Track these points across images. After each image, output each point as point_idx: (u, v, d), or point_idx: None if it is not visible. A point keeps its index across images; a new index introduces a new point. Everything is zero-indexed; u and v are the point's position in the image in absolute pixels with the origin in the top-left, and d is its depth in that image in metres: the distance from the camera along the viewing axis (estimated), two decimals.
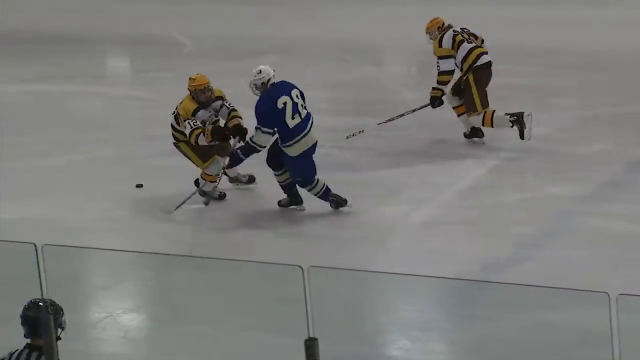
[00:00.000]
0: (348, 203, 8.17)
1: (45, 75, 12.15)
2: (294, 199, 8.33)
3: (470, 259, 7.22)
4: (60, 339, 4.47)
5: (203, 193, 8.39)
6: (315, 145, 8.16)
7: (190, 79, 8.29)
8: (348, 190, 8.23)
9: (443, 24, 9.70)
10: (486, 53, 9.63)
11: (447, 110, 9.70)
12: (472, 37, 9.70)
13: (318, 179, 8.15)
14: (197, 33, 14.50)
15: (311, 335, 4.02)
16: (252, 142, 8.02)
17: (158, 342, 6.44)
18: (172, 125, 8.31)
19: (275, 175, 8.26)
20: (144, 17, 15.58)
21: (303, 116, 8.04)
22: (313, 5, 14.69)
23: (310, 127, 8.09)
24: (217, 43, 14.04)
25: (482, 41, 9.77)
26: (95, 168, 9.28)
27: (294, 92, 8.05)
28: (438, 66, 9.63)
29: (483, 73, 9.62)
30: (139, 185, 8.77)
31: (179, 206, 8.19)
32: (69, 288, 6.50)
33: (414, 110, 9.79)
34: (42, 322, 4.45)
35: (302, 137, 8.04)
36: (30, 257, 4.24)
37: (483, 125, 9.65)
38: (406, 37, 12.11)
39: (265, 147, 8.06)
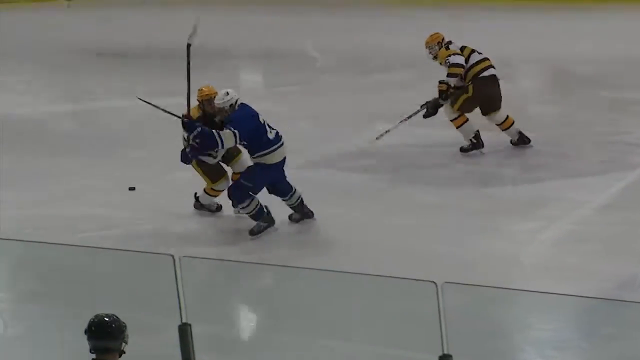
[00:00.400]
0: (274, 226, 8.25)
1: (174, 90, 12.34)
2: (304, 214, 8.45)
3: (604, 277, 7.08)
4: (124, 352, 4.53)
5: (200, 205, 8.67)
6: (282, 163, 8.26)
7: (198, 90, 8.32)
8: (485, 207, 8.16)
9: (443, 39, 9.91)
10: (493, 67, 9.86)
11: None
12: (477, 52, 9.93)
13: (254, 201, 8.14)
14: (326, 47, 14.58)
15: (445, 352, 4.02)
16: (218, 134, 8.05)
17: (288, 354, 6.44)
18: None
19: (283, 200, 8.36)
20: (271, 30, 15.74)
21: (274, 133, 8.22)
22: (441, 18, 14.65)
23: (282, 143, 8.24)
24: (345, 56, 14.10)
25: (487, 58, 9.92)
26: None
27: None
28: (448, 61, 9.78)
29: (485, 85, 9.82)
30: (132, 188, 8.94)
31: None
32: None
33: (409, 117, 9.70)
34: (109, 336, 4.52)
35: (277, 148, 8.17)
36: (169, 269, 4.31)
37: (452, 121, 9.83)
38: (537, 50, 12.04)
39: (222, 148, 8.12)
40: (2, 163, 10.05)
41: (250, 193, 8.15)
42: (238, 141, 8.07)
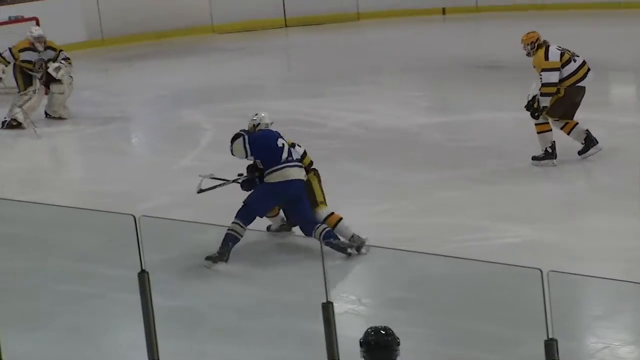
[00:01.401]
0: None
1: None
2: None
3: None
4: None
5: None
6: (288, 185, 8.19)
7: None
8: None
9: (538, 38, 10.04)
10: (589, 72, 9.98)
11: None
12: (576, 56, 9.99)
13: (242, 227, 8.03)
14: None
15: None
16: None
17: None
18: None
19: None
20: None
21: (294, 157, 8.29)
22: None
23: (296, 166, 8.25)
24: None
25: (584, 61, 10.00)
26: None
27: (284, 141, 8.33)
28: (541, 78, 9.89)
29: (577, 94, 9.95)
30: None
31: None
32: (566, 315, 6.45)
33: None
34: (384, 348, 4.57)
35: (283, 168, 8.20)
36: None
37: (563, 129, 9.99)
38: None
39: (233, 154, 8.41)
40: (376, 175, 10.37)
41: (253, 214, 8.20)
42: (246, 147, 8.26)
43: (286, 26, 19.34)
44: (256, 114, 8.59)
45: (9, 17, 15.39)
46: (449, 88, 14.47)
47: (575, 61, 10.02)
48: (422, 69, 15.12)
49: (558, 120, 10.07)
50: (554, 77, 9.90)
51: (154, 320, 4.89)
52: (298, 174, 8.31)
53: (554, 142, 10.07)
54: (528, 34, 10.19)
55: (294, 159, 8.35)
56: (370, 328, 4.65)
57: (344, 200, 9.43)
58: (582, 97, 10.05)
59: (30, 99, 13.14)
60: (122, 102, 14.32)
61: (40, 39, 13.19)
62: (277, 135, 8.41)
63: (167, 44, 18.25)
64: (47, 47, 13.24)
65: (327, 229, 8.15)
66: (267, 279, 7.98)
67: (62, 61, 13.19)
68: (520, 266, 4.59)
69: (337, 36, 18.35)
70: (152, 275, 4.84)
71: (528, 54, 10.15)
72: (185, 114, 13.23)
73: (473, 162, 10.40)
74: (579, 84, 10.01)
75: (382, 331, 4.62)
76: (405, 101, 13.33)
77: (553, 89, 9.92)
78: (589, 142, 10.09)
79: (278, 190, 8.26)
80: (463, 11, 19.01)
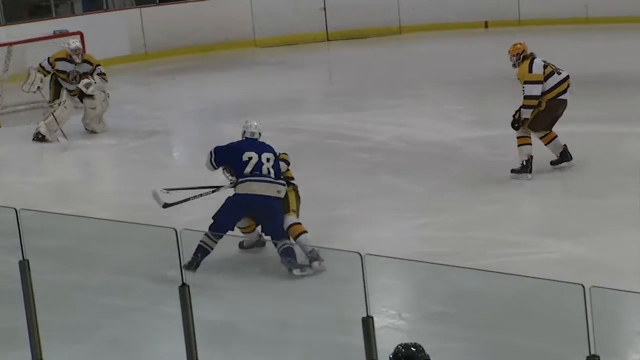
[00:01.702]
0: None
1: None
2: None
3: None
4: None
5: None
6: (251, 199, 8.24)
7: None
8: None
9: (524, 50, 10.21)
10: (568, 87, 10.16)
11: None
12: (560, 70, 10.18)
13: (213, 240, 8.08)
14: None
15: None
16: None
17: None
18: None
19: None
20: None
21: (265, 172, 8.27)
22: None
23: (263, 181, 8.24)
24: None
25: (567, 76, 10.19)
26: None
27: (266, 155, 8.34)
28: (524, 90, 10.08)
29: (558, 106, 10.15)
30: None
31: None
32: (607, 330, 6.40)
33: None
34: None
35: (246, 182, 8.26)
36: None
37: (542, 139, 10.23)
38: None
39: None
40: (417, 188, 10.36)
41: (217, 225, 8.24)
42: (212, 161, 8.48)
43: (328, 40, 19.39)
44: (246, 121, 8.69)
45: (54, 31, 15.54)
46: (490, 102, 14.42)
47: (559, 74, 10.18)
48: (464, 83, 15.09)
49: (532, 130, 10.26)
50: (536, 90, 10.06)
51: (194, 333, 4.92)
52: (264, 189, 8.30)
53: (532, 156, 10.20)
54: (514, 45, 10.33)
55: (264, 174, 8.32)
56: (401, 344, 4.63)
57: (383, 213, 9.44)
58: (564, 110, 10.22)
59: (54, 111, 13.25)
60: (164, 116, 14.41)
61: (77, 51, 13.30)
62: (249, 148, 8.44)
63: (209, 58, 18.34)
64: (84, 61, 13.36)
65: (285, 246, 8.20)
66: (304, 292, 7.98)
67: (97, 76, 13.28)
68: (562, 282, 4.56)
69: (379, 50, 18.37)
70: (192, 288, 4.87)
71: (514, 65, 10.29)
72: (226, 127, 13.26)
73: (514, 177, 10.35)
74: (560, 97, 10.17)
75: (412, 347, 4.61)
76: (446, 115, 13.31)
77: (535, 102, 10.07)
78: (564, 157, 10.33)
79: (241, 202, 8.34)
80: (505, 24, 18.96)
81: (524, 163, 10.20)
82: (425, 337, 4.76)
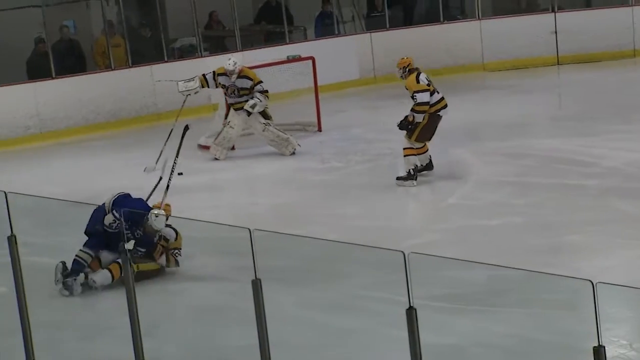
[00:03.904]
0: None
1: None
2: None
3: None
4: None
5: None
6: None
7: None
8: None
9: (410, 64, 11.97)
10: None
11: None
12: (437, 90, 11.94)
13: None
14: None
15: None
16: None
17: None
18: None
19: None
20: None
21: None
22: None
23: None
24: None
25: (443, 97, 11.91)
26: None
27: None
28: (415, 98, 11.74)
29: (437, 119, 11.86)
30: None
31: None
32: None
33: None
34: None
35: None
36: None
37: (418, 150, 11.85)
38: None
39: None
40: None
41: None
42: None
43: (558, 64, 19.09)
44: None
45: (287, 57, 15.93)
46: None
47: (438, 93, 11.89)
48: None
49: (417, 142, 11.84)
50: (426, 97, 11.72)
51: (420, 357, 4.93)
52: None
53: (417, 165, 11.80)
54: (402, 59, 12.01)
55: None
56: None
57: (613, 240, 9.21)
58: (438, 123, 11.90)
59: (220, 132, 13.83)
60: (392, 139, 14.50)
61: (231, 72, 13.58)
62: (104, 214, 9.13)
63: (437, 82, 18.33)
64: (243, 76, 13.67)
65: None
66: (530, 319, 7.88)
67: (259, 94, 13.58)
68: None
69: (611, 73, 17.96)
70: (418, 311, 4.89)
71: (401, 77, 11.93)
72: (454, 152, 13.27)
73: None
74: (438, 113, 11.85)
75: None
76: None
77: (426, 107, 11.71)
78: (428, 166, 12.02)
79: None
80: None
81: (411, 172, 11.75)
82: None
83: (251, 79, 13.70)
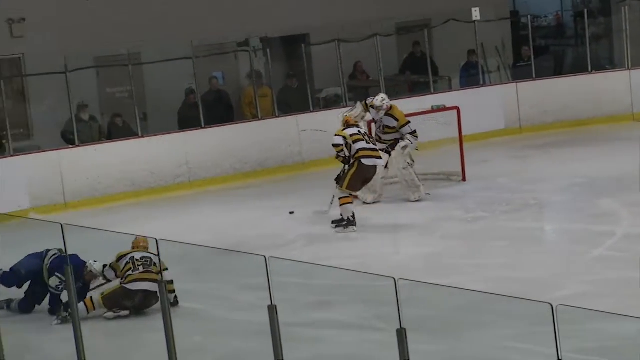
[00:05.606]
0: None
1: None
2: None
3: None
4: None
5: None
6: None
7: None
8: None
9: (348, 122, 13.03)
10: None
11: None
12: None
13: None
14: None
15: None
16: None
17: None
18: None
19: None
20: None
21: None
22: None
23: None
24: None
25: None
26: None
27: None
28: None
29: (368, 170, 12.78)
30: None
31: None
32: None
33: None
34: None
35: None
36: None
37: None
38: None
39: None
40: None
41: None
42: None
43: None
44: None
45: (432, 106, 15.97)
46: None
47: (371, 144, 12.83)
48: None
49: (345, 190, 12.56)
50: (339, 140, 12.78)
51: None
52: None
53: (354, 212, 12.51)
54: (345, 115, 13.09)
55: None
56: None
57: None
58: (373, 175, 12.84)
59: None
60: (537, 189, 14.36)
61: (382, 102, 13.89)
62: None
63: (585, 132, 18.12)
64: (390, 114, 13.94)
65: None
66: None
67: (409, 135, 13.85)
68: None
69: None
70: None
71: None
72: (602, 202, 13.05)
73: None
74: (362, 160, 12.61)
75: None
76: None
77: (339, 148, 12.77)
78: (350, 222, 12.48)
79: None
80: None
81: (350, 218, 12.45)
82: None
83: (397, 119, 13.91)
